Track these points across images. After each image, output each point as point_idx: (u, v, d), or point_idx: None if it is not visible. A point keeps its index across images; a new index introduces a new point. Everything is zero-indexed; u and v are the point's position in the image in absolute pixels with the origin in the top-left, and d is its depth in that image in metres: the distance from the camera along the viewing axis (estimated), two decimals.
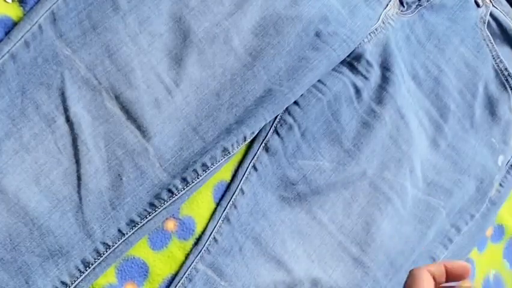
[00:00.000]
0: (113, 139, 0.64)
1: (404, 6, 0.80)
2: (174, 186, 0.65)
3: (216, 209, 0.71)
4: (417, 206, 0.77)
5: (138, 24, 0.66)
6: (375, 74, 0.77)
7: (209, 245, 0.69)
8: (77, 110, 0.63)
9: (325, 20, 0.73)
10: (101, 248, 0.63)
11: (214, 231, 0.70)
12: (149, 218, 0.65)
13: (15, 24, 0.62)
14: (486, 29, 0.85)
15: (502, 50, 0.86)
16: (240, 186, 0.71)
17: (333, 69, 0.75)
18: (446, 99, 0.81)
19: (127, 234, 0.64)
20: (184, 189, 0.66)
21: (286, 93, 0.70)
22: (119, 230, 0.64)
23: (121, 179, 0.64)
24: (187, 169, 0.66)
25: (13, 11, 0.62)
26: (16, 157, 0.60)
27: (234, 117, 0.69)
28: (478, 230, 0.82)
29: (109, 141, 0.64)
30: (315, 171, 0.74)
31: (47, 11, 0.62)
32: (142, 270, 0.67)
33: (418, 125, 0.79)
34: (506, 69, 0.85)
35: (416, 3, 0.81)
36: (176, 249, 0.69)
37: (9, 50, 0.60)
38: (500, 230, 0.88)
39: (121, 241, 0.64)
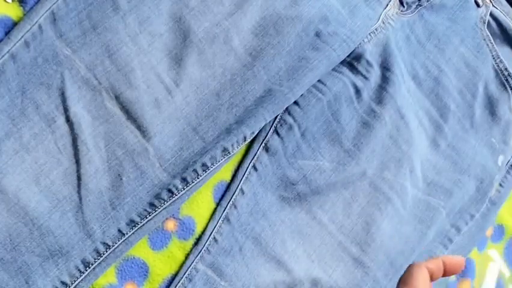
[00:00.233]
0: (113, 139, 0.64)
1: (404, 6, 0.80)
2: (174, 186, 0.65)
3: (216, 209, 0.71)
4: (417, 206, 0.77)
5: (138, 24, 0.66)
6: (375, 74, 0.77)
7: (209, 245, 0.69)
8: (77, 110, 0.63)
9: (325, 20, 0.73)
10: (101, 248, 0.63)
11: (214, 231, 0.70)
12: (149, 218, 0.65)
13: (15, 24, 0.62)
14: (486, 29, 0.85)
15: (502, 50, 0.86)
16: (240, 186, 0.71)
17: (333, 69, 0.75)
18: (446, 99, 0.81)
19: (127, 234, 0.64)
20: (184, 189, 0.66)
21: (286, 93, 0.70)
22: (119, 230, 0.64)
23: (121, 179, 0.64)
24: (187, 169, 0.66)
25: (13, 11, 0.62)
26: (16, 157, 0.60)
27: (234, 117, 0.69)
28: (478, 230, 0.82)
29: (109, 141, 0.64)
30: (315, 171, 0.74)
31: (47, 11, 0.62)
32: (142, 270, 0.67)
33: (418, 125, 0.79)
34: (506, 69, 0.85)
35: (416, 3, 0.81)
36: (176, 249, 0.69)
37: (9, 50, 0.60)
38: (500, 230, 0.88)
39: (121, 241, 0.64)
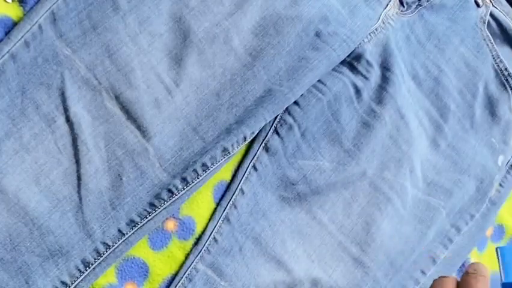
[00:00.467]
0: (113, 139, 0.64)
1: (404, 6, 0.80)
2: (174, 186, 0.65)
3: (216, 209, 0.71)
4: (417, 206, 0.77)
5: (138, 24, 0.66)
6: (375, 74, 0.77)
7: (209, 245, 0.69)
8: (77, 110, 0.63)
9: (325, 20, 0.73)
10: (101, 248, 0.63)
11: (214, 231, 0.70)
12: (149, 218, 0.65)
13: (15, 24, 0.62)
14: (486, 29, 0.85)
15: (502, 50, 0.86)
16: (240, 186, 0.71)
17: (333, 69, 0.75)
18: (446, 99, 0.81)
19: (127, 234, 0.64)
20: (184, 189, 0.66)
21: (286, 93, 0.70)
22: (119, 230, 0.64)
23: (121, 179, 0.64)
24: (187, 169, 0.66)
25: (13, 11, 0.62)
26: (16, 157, 0.60)
27: (234, 117, 0.69)
28: (478, 230, 0.82)
29: (109, 141, 0.64)
30: (315, 171, 0.74)
31: (47, 11, 0.62)
32: (142, 270, 0.67)
33: (418, 125, 0.79)
34: (506, 69, 0.85)
35: (416, 3, 0.81)
36: (176, 249, 0.69)
37: (9, 50, 0.60)
38: (500, 230, 0.88)
39: (121, 241, 0.64)
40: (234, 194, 0.71)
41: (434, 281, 0.53)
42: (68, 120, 0.63)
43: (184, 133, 0.67)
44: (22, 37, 0.61)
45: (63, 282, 0.62)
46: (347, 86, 0.76)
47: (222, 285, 0.69)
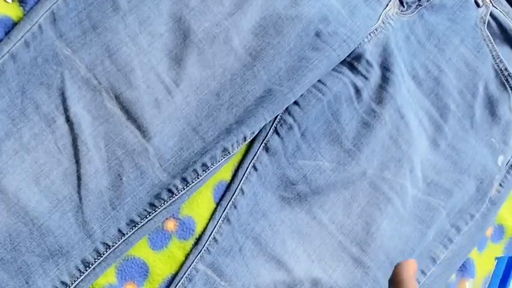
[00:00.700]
0: (113, 139, 0.64)
1: (404, 6, 0.80)
2: (174, 186, 0.65)
3: (216, 209, 0.71)
4: (417, 206, 0.77)
5: (138, 24, 0.66)
6: (375, 74, 0.77)
7: (209, 245, 0.69)
8: (77, 110, 0.63)
9: (325, 20, 0.73)
10: (101, 248, 0.63)
11: (214, 231, 0.70)
12: (149, 218, 0.65)
13: (15, 24, 0.62)
14: (486, 29, 0.85)
15: (502, 50, 0.86)
16: (240, 186, 0.71)
17: (333, 69, 0.75)
18: (446, 99, 0.81)
19: (127, 234, 0.64)
20: (184, 189, 0.66)
21: (286, 93, 0.70)
22: (119, 230, 0.64)
23: (121, 179, 0.64)
24: (187, 169, 0.66)
25: (13, 11, 0.62)
26: (16, 157, 0.60)
27: (234, 117, 0.69)
28: (478, 230, 0.82)
29: (109, 141, 0.64)
30: (315, 171, 0.74)
31: (47, 11, 0.62)
32: (142, 270, 0.67)
33: (418, 125, 0.79)
34: (506, 69, 0.85)
35: (416, 3, 0.81)
36: (176, 249, 0.69)
37: (9, 50, 0.60)
38: (500, 230, 0.88)
39: (121, 241, 0.64)
40: (234, 194, 0.71)
41: (396, 267, 0.52)
42: (68, 120, 0.63)
43: (184, 133, 0.67)
44: (22, 37, 0.61)
45: (63, 282, 0.62)
46: (347, 86, 0.76)
47: (222, 285, 0.69)
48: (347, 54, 0.75)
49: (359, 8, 0.76)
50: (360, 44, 0.76)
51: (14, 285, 0.60)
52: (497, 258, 0.83)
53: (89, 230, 0.62)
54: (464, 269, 0.84)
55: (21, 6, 0.63)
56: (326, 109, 0.75)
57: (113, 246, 0.63)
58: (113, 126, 0.64)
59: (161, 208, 0.65)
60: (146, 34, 0.66)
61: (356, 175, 0.75)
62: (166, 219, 0.68)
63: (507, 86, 0.85)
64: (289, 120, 0.73)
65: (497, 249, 0.88)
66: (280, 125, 0.73)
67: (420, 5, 0.82)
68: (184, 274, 0.68)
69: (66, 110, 0.63)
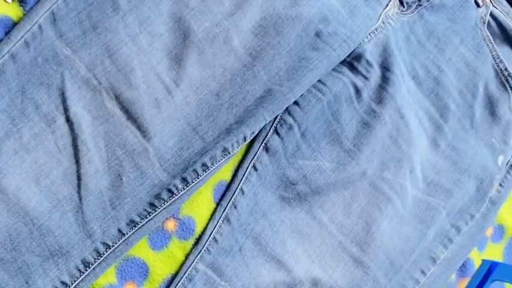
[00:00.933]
0: (113, 139, 0.64)
1: (404, 6, 0.80)
2: (174, 186, 0.65)
3: (216, 209, 0.71)
4: (417, 206, 0.77)
5: (138, 24, 0.66)
6: (375, 74, 0.77)
7: (209, 245, 0.69)
8: (77, 110, 0.63)
9: (325, 20, 0.73)
10: (101, 248, 0.63)
11: (214, 231, 0.70)
12: (149, 218, 0.65)
13: (15, 24, 0.62)
14: (486, 29, 0.85)
15: (502, 50, 0.86)
16: (240, 186, 0.71)
17: (333, 69, 0.75)
18: (446, 99, 0.81)
19: (127, 234, 0.64)
20: (184, 189, 0.66)
21: (286, 93, 0.70)
22: (119, 230, 0.64)
23: (121, 179, 0.64)
24: (187, 169, 0.66)
25: (13, 11, 0.62)
26: (16, 157, 0.60)
27: (234, 117, 0.69)
28: (478, 230, 0.82)
29: (109, 141, 0.64)
30: (315, 171, 0.74)
31: (47, 11, 0.62)
32: (142, 270, 0.67)
33: (418, 125, 0.79)
34: (506, 69, 0.85)
35: (416, 3, 0.81)
36: (176, 249, 0.69)
37: (9, 50, 0.60)
38: (500, 230, 0.88)
39: (121, 241, 0.64)
40: (234, 194, 0.71)
41: None
42: (68, 120, 0.63)
43: (184, 133, 0.67)
44: (22, 37, 0.61)
45: (63, 282, 0.62)
46: (347, 86, 0.76)
47: (222, 285, 0.69)
48: (347, 54, 0.75)
49: (359, 8, 0.76)
50: (360, 44, 0.76)
51: (14, 285, 0.60)
52: (483, 260, 0.83)
53: (89, 230, 0.62)
54: (464, 269, 0.84)
55: (21, 6, 0.63)
56: (326, 109, 0.75)
57: (113, 246, 0.63)
58: (113, 126, 0.64)
59: (161, 208, 0.65)
60: (146, 34, 0.66)
61: (356, 175, 0.75)
62: (166, 219, 0.68)
63: (507, 86, 0.85)
64: (289, 120, 0.73)
65: (497, 249, 0.88)
66: (280, 125, 0.73)
67: (420, 5, 0.82)
68: (184, 274, 0.68)
69: (66, 110, 0.63)
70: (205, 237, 0.69)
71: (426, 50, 0.82)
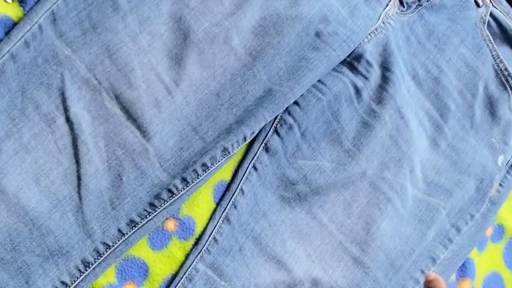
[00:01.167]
0: (113, 139, 0.64)
1: (404, 6, 0.80)
2: (174, 186, 0.65)
3: (216, 209, 0.71)
4: (417, 206, 0.77)
5: (138, 24, 0.66)
6: (375, 74, 0.77)
7: (209, 245, 0.69)
8: (77, 110, 0.63)
9: (325, 20, 0.73)
10: (101, 248, 0.63)
11: (214, 231, 0.70)
12: (149, 218, 0.65)
13: (15, 24, 0.62)
14: (486, 29, 0.85)
15: (502, 50, 0.86)
16: (240, 186, 0.71)
17: (333, 69, 0.75)
18: (446, 99, 0.81)
19: (127, 234, 0.64)
20: (184, 189, 0.66)
21: (286, 93, 0.70)
22: (119, 230, 0.64)
23: (121, 179, 0.64)
24: (187, 169, 0.66)
25: (13, 11, 0.62)
26: (16, 157, 0.60)
27: (234, 117, 0.69)
28: (478, 230, 0.82)
29: (109, 141, 0.64)
30: (315, 171, 0.74)
31: (47, 11, 0.62)
32: (142, 270, 0.67)
33: (418, 125, 0.79)
34: (506, 69, 0.85)
35: (416, 3, 0.81)
36: (176, 249, 0.69)
37: (9, 50, 0.60)
38: (500, 230, 0.88)
39: (121, 241, 0.64)
40: (234, 194, 0.71)
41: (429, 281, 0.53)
42: (68, 120, 0.63)
43: (184, 133, 0.67)
44: (22, 37, 0.61)
45: (63, 282, 0.62)
46: (347, 86, 0.76)
47: (222, 285, 0.69)
48: (347, 54, 0.75)
49: (359, 8, 0.76)
50: (360, 44, 0.76)
51: (14, 285, 0.60)
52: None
53: (89, 230, 0.62)
54: (464, 269, 0.84)
55: (21, 6, 0.63)
56: (325, 109, 0.75)
57: (113, 246, 0.63)
58: (113, 126, 0.64)
59: (161, 208, 0.65)
60: (146, 34, 0.66)
61: (356, 175, 0.75)
62: (166, 219, 0.68)
63: (507, 86, 0.85)
64: (289, 120, 0.73)
65: (497, 249, 0.88)
66: (280, 125, 0.73)
67: (420, 5, 0.82)
68: (184, 274, 0.68)
69: (66, 110, 0.63)
70: (205, 237, 0.69)
71: (426, 50, 0.82)
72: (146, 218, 0.65)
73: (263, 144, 0.73)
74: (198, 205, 0.70)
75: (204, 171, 0.66)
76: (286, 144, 0.73)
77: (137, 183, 0.64)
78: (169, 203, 0.65)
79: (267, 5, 0.71)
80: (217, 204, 0.71)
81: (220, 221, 0.70)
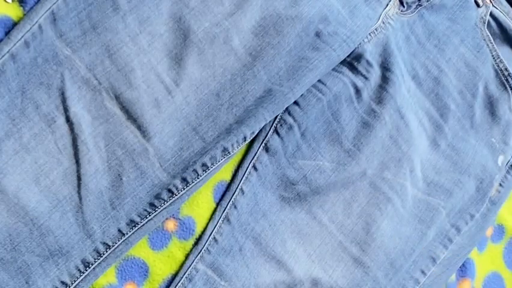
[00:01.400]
0: (113, 139, 0.64)
1: (404, 6, 0.80)
2: (174, 186, 0.65)
3: (216, 209, 0.71)
4: (417, 206, 0.77)
5: (138, 24, 0.66)
6: (375, 74, 0.77)
7: (209, 245, 0.69)
8: (77, 110, 0.63)
9: (325, 20, 0.73)
10: (101, 248, 0.63)
11: (214, 231, 0.70)
12: (149, 218, 0.65)
13: (15, 24, 0.62)
14: (486, 29, 0.85)
15: (502, 50, 0.86)
16: (240, 186, 0.71)
17: (333, 69, 0.75)
18: (446, 99, 0.81)
19: (127, 234, 0.64)
20: (184, 189, 0.66)
21: (286, 93, 0.70)
22: (119, 230, 0.64)
23: (121, 179, 0.64)
24: (187, 169, 0.66)
25: (13, 11, 0.62)
26: (16, 157, 0.60)
27: (234, 117, 0.69)
28: (478, 230, 0.82)
29: (109, 141, 0.64)
30: (315, 171, 0.74)
31: (47, 11, 0.62)
32: (142, 270, 0.67)
33: (418, 125, 0.79)
34: (506, 69, 0.85)
35: (416, 3, 0.81)
36: (176, 249, 0.69)
37: (9, 50, 0.60)
38: (500, 230, 0.88)
39: (121, 241, 0.64)
40: (234, 194, 0.71)
41: None
42: (68, 120, 0.63)
43: (184, 133, 0.67)
44: (22, 37, 0.61)
45: (63, 282, 0.62)
46: (347, 86, 0.76)
47: (222, 285, 0.69)
48: (347, 54, 0.75)
49: (359, 8, 0.76)
50: (360, 44, 0.76)
51: (14, 285, 0.59)
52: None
53: (89, 230, 0.62)
54: (464, 269, 0.84)
55: (21, 6, 0.63)
56: (325, 109, 0.75)
57: (113, 246, 0.63)
58: (113, 126, 0.64)
59: (161, 208, 0.65)
60: (146, 34, 0.66)
61: (356, 175, 0.75)
62: (166, 219, 0.68)
63: (507, 86, 0.85)
64: (289, 120, 0.73)
65: (497, 249, 0.88)
66: (280, 125, 0.73)
67: (420, 5, 0.82)
68: (184, 274, 0.68)
69: (66, 110, 0.63)
70: (205, 237, 0.69)
71: (426, 50, 0.82)
72: (146, 218, 0.65)
73: (263, 144, 0.73)
74: (198, 205, 0.70)
75: (204, 171, 0.66)
76: (286, 144, 0.73)
77: (137, 183, 0.64)
78: (169, 203, 0.65)
79: (267, 5, 0.71)
80: (217, 204, 0.71)
81: (220, 221, 0.70)
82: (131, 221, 0.64)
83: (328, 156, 0.74)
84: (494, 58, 0.85)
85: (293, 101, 0.72)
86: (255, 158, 0.72)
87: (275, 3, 0.71)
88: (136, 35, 0.65)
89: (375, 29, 0.78)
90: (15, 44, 0.61)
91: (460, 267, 0.83)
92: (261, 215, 0.72)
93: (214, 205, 0.71)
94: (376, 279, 0.74)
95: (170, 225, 0.69)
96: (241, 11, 0.70)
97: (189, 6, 0.68)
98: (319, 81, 0.74)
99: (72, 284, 0.62)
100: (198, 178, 0.66)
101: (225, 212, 0.70)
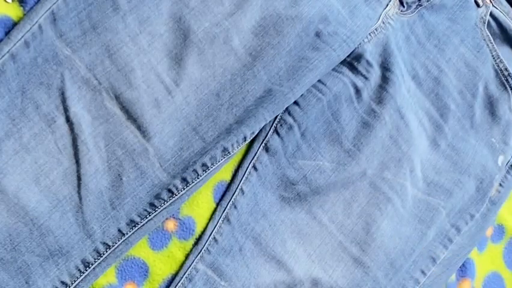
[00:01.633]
0: (113, 139, 0.64)
1: (404, 6, 0.80)
2: (174, 186, 0.65)
3: (216, 209, 0.71)
4: (417, 206, 0.77)
5: (138, 24, 0.66)
6: (375, 74, 0.77)
7: (209, 245, 0.69)
8: (77, 110, 0.63)
9: (325, 20, 0.73)
10: (101, 248, 0.63)
11: (214, 231, 0.70)
12: (149, 218, 0.65)
13: (15, 24, 0.62)
14: (486, 29, 0.85)
15: (502, 50, 0.86)
16: (240, 186, 0.71)
17: (333, 69, 0.75)
18: (446, 99, 0.81)
19: (127, 234, 0.64)
20: (184, 189, 0.66)
21: (286, 93, 0.70)
22: (119, 230, 0.64)
23: (121, 179, 0.64)
24: (187, 169, 0.66)
25: (13, 11, 0.62)
26: (16, 157, 0.60)
27: (234, 117, 0.69)
28: (478, 230, 0.82)
29: (109, 141, 0.64)
30: (315, 171, 0.74)
31: (47, 11, 0.62)
32: (142, 270, 0.67)
33: (418, 125, 0.79)
34: (506, 69, 0.85)
35: (416, 3, 0.81)
36: (176, 249, 0.69)
37: (9, 50, 0.60)
38: (500, 230, 0.88)
39: (121, 241, 0.64)
40: (234, 194, 0.71)
41: None
42: (68, 120, 0.63)
43: (184, 133, 0.67)
44: (22, 37, 0.61)
45: (63, 282, 0.62)
46: (347, 86, 0.76)
47: (222, 285, 0.69)
48: (347, 54, 0.75)
49: (359, 8, 0.76)
50: (360, 44, 0.76)
51: (14, 285, 0.60)
52: None
53: (89, 230, 0.62)
54: (464, 269, 0.84)
55: (21, 6, 0.63)
56: (325, 109, 0.75)
57: (113, 246, 0.63)
58: (113, 126, 0.64)
59: (161, 208, 0.65)
60: (146, 34, 0.66)
61: (356, 175, 0.75)
62: (166, 219, 0.68)
63: (507, 86, 0.85)
64: (289, 120, 0.73)
65: (497, 249, 0.88)
66: (280, 125, 0.73)
67: (420, 5, 0.82)
68: (184, 274, 0.68)
69: (66, 110, 0.63)
70: (205, 237, 0.69)
71: (426, 50, 0.82)
72: (146, 218, 0.65)
73: (263, 144, 0.73)
74: (198, 205, 0.70)
75: (204, 171, 0.66)
76: (286, 144, 0.73)
77: (137, 183, 0.64)
78: (169, 203, 0.65)
79: (267, 5, 0.71)
80: (217, 204, 0.71)
81: (220, 221, 0.70)
82: (131, 221, 0.64)
83: (328, 156, 0.74)
84: (494, 58, 0.85)
85: (293, 101, 0.72)
86: (255, 158, 0.72)
87: (275, 3, 0.71)
88: (136, 35, 0.65)
89: (375, 29, 0.78)
90: (15, 44, 0.61)
91: (460, 267, 0.83)
92: (261, 215, 0.72)
93: (214, 205, 0.71)
94: (376, 279, 0.74)
95: (170, 225, 0.69)
96: (241, 11, 0.70)
97: (189, 6, 0.68)
98: (319, 81, 0.74)
99: (72, 284, 0.62)
100: (198, 178, 0.66)
101: (225, 212, 0.70)
